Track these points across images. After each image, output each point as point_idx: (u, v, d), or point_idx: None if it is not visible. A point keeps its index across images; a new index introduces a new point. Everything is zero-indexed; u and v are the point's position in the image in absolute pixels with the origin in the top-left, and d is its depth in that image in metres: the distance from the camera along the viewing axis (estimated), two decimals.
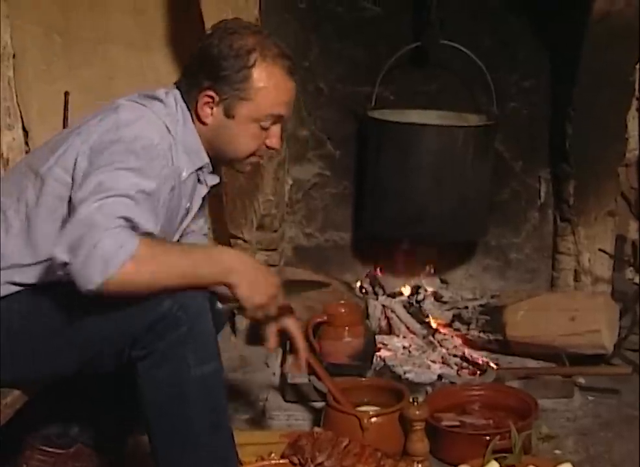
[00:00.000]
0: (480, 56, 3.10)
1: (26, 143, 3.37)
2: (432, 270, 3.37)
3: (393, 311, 3.13)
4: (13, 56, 3.31)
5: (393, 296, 3.25)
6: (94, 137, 1.94)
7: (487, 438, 2.34)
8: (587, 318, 2.93)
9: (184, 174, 2.04)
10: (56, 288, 1.90)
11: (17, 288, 1.98)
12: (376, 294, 3.28)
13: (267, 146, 2.09)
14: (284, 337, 2.97)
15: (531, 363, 2.92)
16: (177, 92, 2.06)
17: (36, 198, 1.97)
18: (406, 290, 3.28)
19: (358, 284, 3.34)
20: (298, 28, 3.21)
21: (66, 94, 3.35)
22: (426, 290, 3.26)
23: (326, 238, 3.43)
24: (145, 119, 1.98)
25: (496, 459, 2.26)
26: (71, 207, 1.87)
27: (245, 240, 3.20)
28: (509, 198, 3.40)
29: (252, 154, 2.09)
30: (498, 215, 3.36)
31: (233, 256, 1.93)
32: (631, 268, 3.46)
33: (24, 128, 3.37)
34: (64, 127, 3.33)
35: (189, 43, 3.25)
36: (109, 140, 1.91)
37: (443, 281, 3.40)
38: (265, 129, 2.05)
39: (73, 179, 1.92)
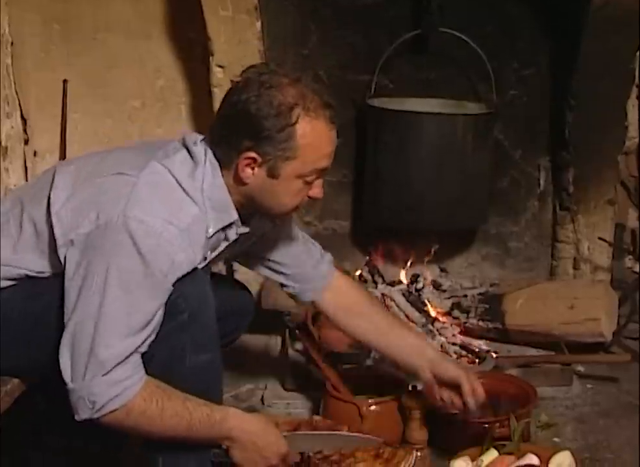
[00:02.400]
0: (479, 44, 3.09)
1: (25, 131, 3.37)
2: (431, 259, 3.36)
3: (392, 300, 3.13)
4: (12, 43, 3.30)
5: (392, 284, 3.24)
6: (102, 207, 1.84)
7: (486, 426, 2.34)
8: (586, 306, 2.94)
9: (210, 230, 1.95)
10: (53, 279, 1.91)
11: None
12: (375, 282, 3.27)
13: (310, 197, 1.98)
14: (283, 325, 2.99)
15: (530, 351, 2.93)
16: (207, 147, 1.94)
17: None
18: (405, 279, 3.28)
19: (357, 272, 3.33)
20: (297, 15, 3.20)
21: (65, 82, 3.34)
22: (425, 279, 3.26)
23: (325, 226, 3.42)
24: (158, 198, 1.87)
25: (495, 447, 2.26)
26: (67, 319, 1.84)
27: None
28: (509, 187, 3.39)
29: (295, 209, 2.01)
30: (497, 203, 3.35)
31: (237, 425, 1.91)
32: (631, 256, 3.47)
33: (22, 116, 3.36)
34: (63, 115, 3.33)
35: (188, 31, 3.27)
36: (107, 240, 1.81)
37: (442, 270, 3.39)
38: (309, 183, 1.95)
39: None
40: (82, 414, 1.81)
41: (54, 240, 1.89)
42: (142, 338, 1.82)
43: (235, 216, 1.97)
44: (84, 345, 1.80)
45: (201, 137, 1.99)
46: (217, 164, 1.93)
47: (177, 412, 1.84)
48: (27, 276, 1.97)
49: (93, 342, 1.79)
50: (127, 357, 1.81)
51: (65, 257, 1.86)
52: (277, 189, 1.92)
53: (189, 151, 1.94)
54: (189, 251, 1.88)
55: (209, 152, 1.93)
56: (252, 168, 1.90)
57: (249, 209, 2.00)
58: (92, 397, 1.79)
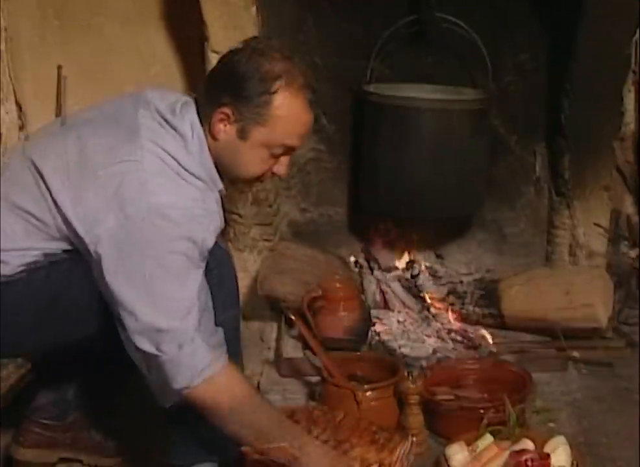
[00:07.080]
0: (476, 30, 3.07)
1: (20, 117, 3.36)
2: (427, 245, 3.36)
3: (388, 286, 3.13)
4: (5, 29, 3.29)
5: (388, 270, 3.25)
6: (117, 198, 1.89)
7: (482, 411, 2.35)
8: (582, 292, 2.95)
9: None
10: (73, 255, 1.98)
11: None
12: (371, 268, 3.27)
13: (273, 173, 2.07)
14: (279, 311, 3.00)
15: (526, 337, 2.94)
16: (193, 109, 2.02)
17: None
18: (401, 265, 3.28)
19: (353, 259, 3.34)
20: (294, 1, 3.19)
21: (59, 68, 3.33)
22: (421, 265, 3.27)
23: (321, 213, 3.42)
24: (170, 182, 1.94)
25: (490, 432, 2.27)
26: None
27: (240, 215, 3.20)
28: (505, 173, 3.39)
29: (256, 179, 2.08)
30: (493, 189, 3.35)
31: (311, 453, 1.96)
32: (626, 242, 3.47)
33: (17, 102, 3.35)
34: (57, 102, 3.32)
35: (183, 17, 3.25)
36: (145, 228, 1.87)
37: (438, 256, 3.39)
38: (274, 156, 2.03)
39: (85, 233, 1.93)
40: (181, 380, 1.87)
41: (74, 234, 1.93)
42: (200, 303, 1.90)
43: (220, 185, 2.05)
44: (153, 329, 1.86)
45: (172, 97, 2.05)
46: (203, 137, 2.00)
47: (267, 415, 1.95)
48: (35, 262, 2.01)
49: (160, 324, 1.86)
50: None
51: (97, 254, 1.90)
52: (243, 151, 2.00)
53: (170, 123, 1.99)
54: (216, 218, 1.98)
55: (196, 123, 2.00)
56: (225, 125, 1.99)
57: (219, 172, 2.06)
58: (194, 362, 1.86)
